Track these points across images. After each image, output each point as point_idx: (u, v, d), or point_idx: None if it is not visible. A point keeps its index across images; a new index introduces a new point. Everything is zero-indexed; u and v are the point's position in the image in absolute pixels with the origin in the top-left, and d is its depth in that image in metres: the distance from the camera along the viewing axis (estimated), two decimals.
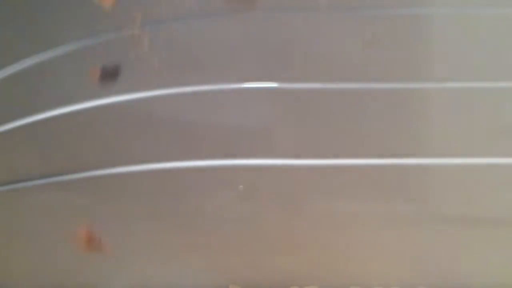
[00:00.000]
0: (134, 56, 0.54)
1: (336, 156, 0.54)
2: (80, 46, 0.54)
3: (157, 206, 0.57)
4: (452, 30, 0.52)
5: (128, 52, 0.54)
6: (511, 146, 0.53)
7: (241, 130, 0.55)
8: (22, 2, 0.54)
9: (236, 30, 0.53)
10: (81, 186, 0.56)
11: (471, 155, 0.53)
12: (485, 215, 0.55)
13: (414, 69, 0.53)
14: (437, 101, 0.53)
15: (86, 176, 0.56)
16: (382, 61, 0.53)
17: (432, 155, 0.54)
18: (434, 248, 0.55)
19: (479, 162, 0.53)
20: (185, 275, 0.58)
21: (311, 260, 0.56)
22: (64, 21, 0.54)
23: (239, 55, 0.53)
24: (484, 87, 0.52)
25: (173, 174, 0.55)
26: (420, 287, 0.55)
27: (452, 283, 0.55)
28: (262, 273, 0.57)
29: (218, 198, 0.56)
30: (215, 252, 0.57)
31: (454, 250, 0.55)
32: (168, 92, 0.54)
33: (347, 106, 0.54)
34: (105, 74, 0.53)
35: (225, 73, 0.54)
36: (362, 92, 0.53)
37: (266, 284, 0.57)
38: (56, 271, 0.59)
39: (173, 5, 0.53)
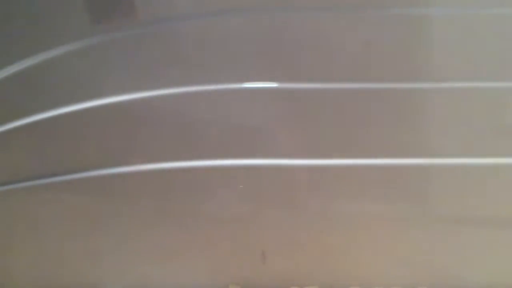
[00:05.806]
0: (135, 56, 0.54)
1: (336, 156, 0.54)
2: (80, 46, 0.54)
3: (157, 206, 0.57)
4: (452, 30, 0.52)
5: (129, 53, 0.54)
6: (511, 146, 0.53)
7: (241, 130, 0.55)
8: (22, 2, 0.54)
9: (236, 30, 0.53)
10: (81, 186, 0.56)
11: (471, 155, 0.53)
12: (485, 215, 0.55)
13: (414, 69, 0.53)
14: (437, 101, 0.53)
15: (86, 176, 0.56)
16: (382, 61, 0.53)
17: (432, 155, 0.54)
18: (434, 248, 0.55)
19: (479, 162, 0.53)
20: (185, 275, 0.58)
21: (311, 260, 0.57)
22: (64, 21, 0.54)
23: (239, 55, 0.53)
24: (484, 87, 0.52)
25: (173, 174, 0.55)
26: (420, 287, 0.55)
27: (452, 283, 0.55)
28: (262, 273, 0.57)
29: (218, 198, 0.56)
30: (215, 252, 0.57)
31: (454, 250, 0.55)
32: (169, 92, 0.54)
33: (347, 106, 0.54)
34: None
35: (225, 73, 0.54)
36: (362, 92, 0.53)
37: (266, 284, 0.57)
38: (56, 271, 0.59)
39: (173, 5, 0.53)
